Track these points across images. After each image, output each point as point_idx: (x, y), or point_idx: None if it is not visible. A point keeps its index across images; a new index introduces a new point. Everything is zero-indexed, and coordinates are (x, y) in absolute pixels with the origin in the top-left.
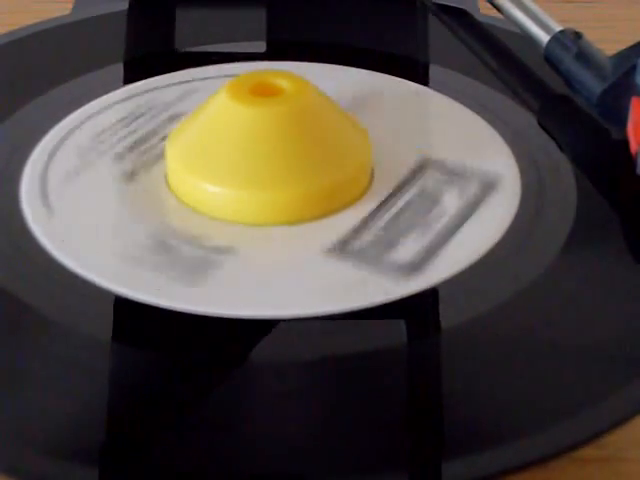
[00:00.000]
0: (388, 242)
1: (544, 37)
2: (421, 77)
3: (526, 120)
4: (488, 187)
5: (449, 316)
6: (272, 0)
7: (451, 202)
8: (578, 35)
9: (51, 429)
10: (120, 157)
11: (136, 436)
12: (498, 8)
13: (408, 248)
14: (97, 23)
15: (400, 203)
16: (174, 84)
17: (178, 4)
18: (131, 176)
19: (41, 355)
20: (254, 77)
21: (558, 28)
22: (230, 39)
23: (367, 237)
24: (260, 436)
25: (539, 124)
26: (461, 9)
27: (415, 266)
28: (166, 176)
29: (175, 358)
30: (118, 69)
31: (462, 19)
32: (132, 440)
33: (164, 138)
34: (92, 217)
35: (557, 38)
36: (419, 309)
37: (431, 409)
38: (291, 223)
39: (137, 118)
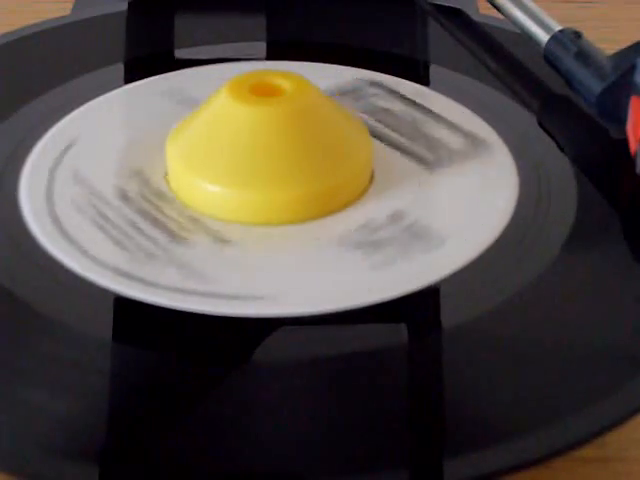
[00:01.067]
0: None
1: (544, 37)
2: (421, 77)
3: (526, 120)
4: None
5: (449, 316)
6: (272, 0)
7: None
8: (578, 35)
9: (51, 429)
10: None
11: (136, 436)
12: (498, 8)
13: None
14: (97, 23)
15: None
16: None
17: (177, 5)
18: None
19: (41, 355)
20: (254, 77)
21: (558, 28)
22: (230, 40)
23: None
24: (260, 436)
25: (539, 124)
26: (457, 9)
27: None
28: (166, 175)
29: (175, 358)
30: (118, 69)
31: (458, 19)
32: (132, 440)
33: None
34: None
35: (557, 38)
36: (419, 309)
37: (431, 409)
38: (291, 223)
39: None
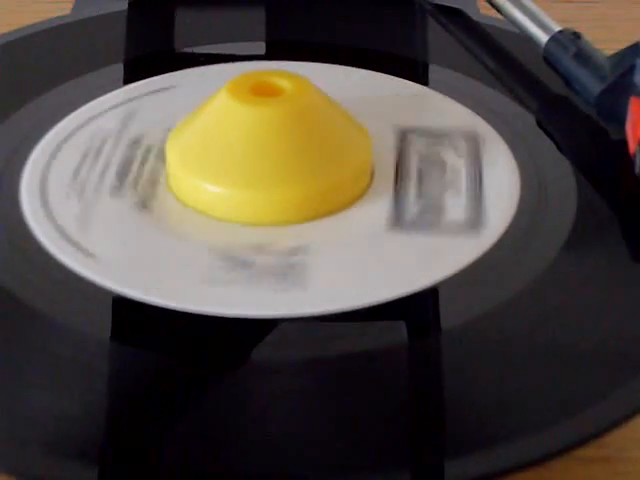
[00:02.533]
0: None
1: (543, 37)
2: (421, 77)
3: (526, 120)
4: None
5: (449, 316)
6: (271, 0)
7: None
8: (577, 35)
9: (51, 429)
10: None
11: (136, 436)
12: (497, 8)
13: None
14: (97, 23)
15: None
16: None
17: (178, 4)
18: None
19: (41, 355)
20: (254, 77)
21: (557, 28)
22: (230, 39)
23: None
24: (260, 436)
25: (538, 124)
26: (457, 9)
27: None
28: (166, 176)
29: (175, 358)
30: (118, 69)
31: (459, 19)
32: (132, 440)
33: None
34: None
35: (556, 38)
36: (419, 309)
37: (431, 409)
38: (290, 223)
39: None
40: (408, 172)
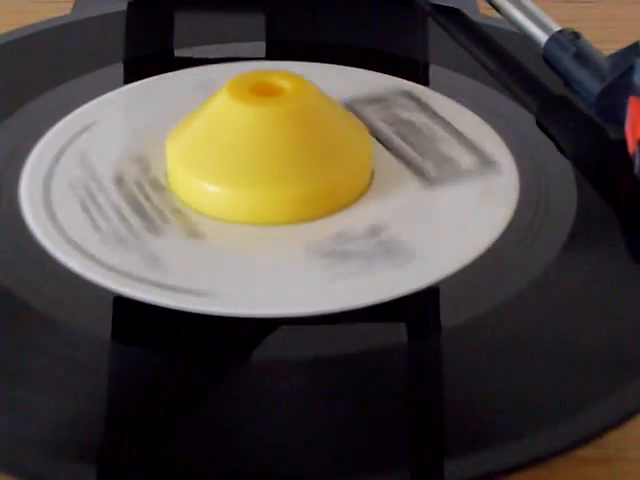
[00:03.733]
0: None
1: (543, 37)
2: (421, 77)
3: (526, 120)
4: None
5: (449, 316)
6: (271, 0)
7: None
8: (576, 35)
9: (51, 429)
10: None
11: (136, 436)
12: (497, 8)
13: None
14: (97, 23)
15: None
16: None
17: (177, 4)
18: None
19: (41, 355)
20: (254, 77)
21: (557, 28)
22: (230, 40)
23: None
24: (260, 436)
25: (537, 124)
26: (457, 9)
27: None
28: (166, 175)
29: (175, 358)
30: (118, 69)
31: (459, 19)
32: (132, 440)
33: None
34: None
35: (555, 38)
36: (419, 309)
37: (431, 409)
38: (290, 223)
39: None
40: (392, 140)
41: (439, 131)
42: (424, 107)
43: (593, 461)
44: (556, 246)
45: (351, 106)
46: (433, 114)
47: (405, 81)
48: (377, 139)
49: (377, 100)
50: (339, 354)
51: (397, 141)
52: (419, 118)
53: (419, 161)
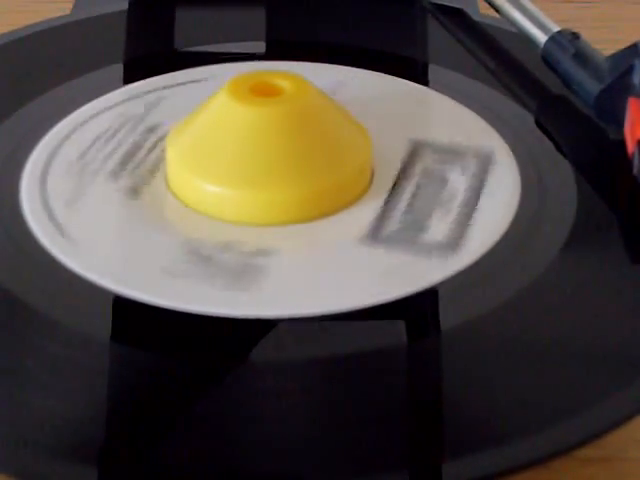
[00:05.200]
0: (417, 226)
1: (542, 37)
2: (421, 77)
3: (526, 120)
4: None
5: (449, 317)
6: (272, 0)
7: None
8: (576, 35)
9: (51, 429)
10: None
11: (135, 436)
12: (496, 8)
13: (437, 229)
14: (97, 23)
15: (407, 195)
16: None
17: (178, 4)
18: (132, 189)
19: (41, 355)
20: (254, 77)
21: (556, 28)
22: (230, 39)
23: (391, 225)
24: (260, 436)
25: (537, 124)
26: (458, 9)
27: (450, 245)
28: (166, 176)
29: (175, 358)
30: (118, 69)
31: (459, 19)
32: (132, 440)
33: (150, 150)
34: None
35: (555, 38)
36: (419, 309)
37: (431, 409)
38: (290, 223)
39: (117, 131)
40: (405, 185)
41: (455, 200)
42: (480, 172)
43: (593, 461)
44: (556, 246)
45: (417, 147)
46: (478, 180)
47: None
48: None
49: (449, 152)
50: (339, 354)
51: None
52: (458, 179)
53: None
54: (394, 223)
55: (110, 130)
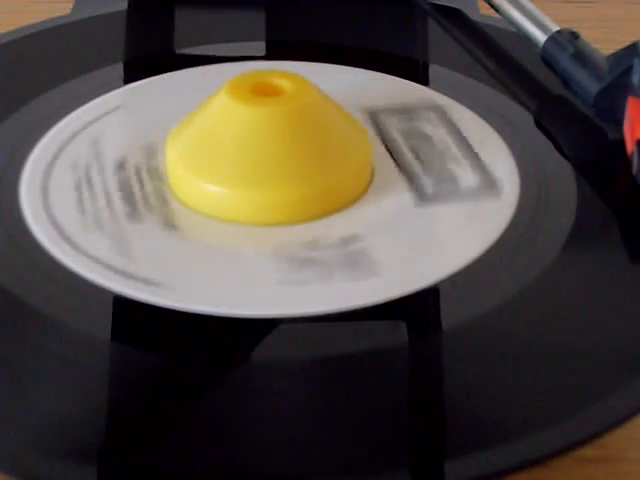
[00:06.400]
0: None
1: (541, 37)
2: (421, 77)
3: (525, 120)
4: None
5: (449, 316)
6: (271, 0)
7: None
8: (575, 35)
9: (51, 429)
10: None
11: (135, 436)
12: (495, 8)
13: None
14: (97, 23)
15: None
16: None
17: (177, 4)
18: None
19: (41, 355)
20: (254, 77)
21: (555, 28)
22: (230, 39)
23: (426, 184)
24: (260, 436)
25: (537, 124)
26: (457, 9)
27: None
28: (166, 176)
29: (175, 358)
30: (118, 69)
31: (457, 19)
32: (131, 440)
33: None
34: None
35: (554, 38)
36: (419, 309)
37: (431, 409)
38: (290, 223)
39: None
40: (402, 151)
41: (452, 149)
42: (446, 122)
43: (593, 461)
44: (556, 246)
45: (373, 115)
46: (452, 129)
47: (438, 94)
48: (386, 147)
49: (404, 111)
50: (339, 354)
51: (406, 154)
52: (437, 133)
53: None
54: (427, 182)
55: (82, 178)
